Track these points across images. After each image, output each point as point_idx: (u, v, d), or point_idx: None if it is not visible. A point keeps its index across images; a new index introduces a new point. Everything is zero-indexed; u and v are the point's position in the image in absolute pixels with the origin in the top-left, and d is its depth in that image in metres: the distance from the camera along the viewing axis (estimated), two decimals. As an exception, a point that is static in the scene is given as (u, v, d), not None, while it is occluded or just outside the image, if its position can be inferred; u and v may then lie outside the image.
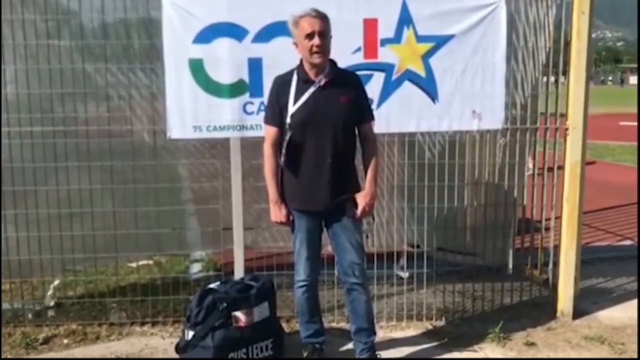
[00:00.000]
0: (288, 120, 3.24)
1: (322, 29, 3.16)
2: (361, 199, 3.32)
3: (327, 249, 3.52)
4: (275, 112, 3.32)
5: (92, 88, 4.06)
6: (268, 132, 3.36)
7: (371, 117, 3.43)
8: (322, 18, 3.19)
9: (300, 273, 3.44)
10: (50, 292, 4.35)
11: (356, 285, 3.41)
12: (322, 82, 3.24)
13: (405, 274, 4.43)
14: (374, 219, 3.51)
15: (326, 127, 3.23)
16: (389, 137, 4.13)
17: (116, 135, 4.04)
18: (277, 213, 3.35)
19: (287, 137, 3.24)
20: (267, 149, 3.34)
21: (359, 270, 3.40)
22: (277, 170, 3.34)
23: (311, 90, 3.24)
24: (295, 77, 3.28)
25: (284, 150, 3.26)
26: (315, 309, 3.58)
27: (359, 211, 3.32)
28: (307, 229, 3.36)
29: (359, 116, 3.34)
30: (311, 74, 3.25)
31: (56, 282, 4.36)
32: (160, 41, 3.85)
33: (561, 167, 4.19)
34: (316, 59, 3.18)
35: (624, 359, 3.70)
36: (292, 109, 3.24)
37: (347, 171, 3.33)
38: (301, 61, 3.28)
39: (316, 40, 3.14)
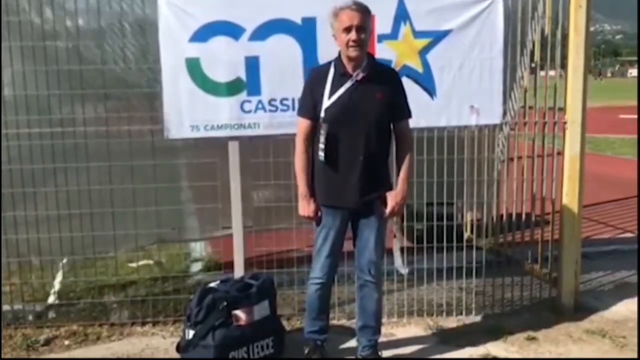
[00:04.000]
0: (322, 114, 3.19)
1: (360, 23, 3.10)
2: (392, 198, 3.28)
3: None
4: (308, 105, 3.27)
5: (90, 89, 4.05)
6: (300, 125, 3.30)
7: (408, 115, 3.36)
8: (363, 11, 3.13)
9: (317, 270, 3.41)
10: (56, 286, 4.35)
11: (370, 282, 3.40)
12: (359, 77, 3.19)
13: (405, 270, 4.43)
14: (402, 219, 3.47)
15: (360, 123, 3.18)
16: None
17: (114, 136, 4.03)
18: (305, 207, 3.30)
19: (324, 132, 3.17)
20: (299, 143, 3.29)
21: (375, 268, 3.37)
22: (308, 164, 3.29)
23: (347, 84, 3.19)
24: (332, 70, 3.23)
25: (322, 146, 3.19)
26: (325, 307, 3.55)
27: (387, 210, 3.28)
28: (334, 225, 3.31)
29: (394, 113, 3.29)
30: (349, 67, 3.20)
31: (58, 279, 4.36)
32: (156, 41, 3.85)
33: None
34: (352, 53, 3.13)
35: (624, 359, 3.68)
36: (327, 102, 3.19)
37: (380, 169, 3.29)
38: (339, 54, 3.23)
39: (353, 35, 3.09)
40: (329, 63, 3.28)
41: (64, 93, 3.98)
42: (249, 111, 3.88)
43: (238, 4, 3.82)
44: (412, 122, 3.92)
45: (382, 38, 3.87)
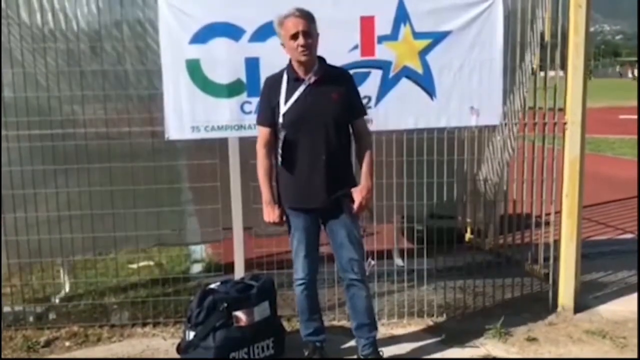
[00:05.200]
0: (280, 119, 3.25)
1: (305, 29, 3.16)
2: (357, 193, 3.32)
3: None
4: (267, 113, 3.33)
5: (90, 90, 4.05)
6: (261, 133, 3.37)
7: (364, 112, 3.43)
8: (306, 17, 3.19)
9: (299, 271, 3.45)
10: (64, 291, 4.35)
11: (355, 281, 3.42)
12: (312, 80, 3.24)
13: (400, 263, 4.40)
14: (372, 214, 3.50)
15: (318, 124, 3.24)
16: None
17: (114, 138, 4.04)
18: (270, 213, 3.36)
19: (282, 137, 3.24)
20: (260, 150, 3.35)
21: (358, 266, 3.40)
22: (271, 170, 3.35)
23: (301, 88, 3.24)
24: (285, 77, 3.29)
25: (279, 150, 3.26)
26: (315, 307, 3.58)
27: (355, 206, 3.31)
28: (304, 227, 3.36)
29: (350, 112, 3.34)
30: (300, 72, 3.25)
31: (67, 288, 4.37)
32: (156, 42, 3.85)
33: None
34: (302, 57, 3.18)
35: (624, 359, 3.69)
36: (283, 108, 3.25)
37: (343, 167, 3.34)
38: (290, 60, 3.29)
39: (300, 40, 3.15)
40: (282, 71, 3.33)
41: (64, 95, 3.98)
42: (249, 112, 3.88)
43: (238, 5, 3.82)
44: (412, 122, 3.97)
45: (382, 39, 3.87)
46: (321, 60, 3.31)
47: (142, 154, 4.08)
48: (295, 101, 3.24)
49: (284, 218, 3.38)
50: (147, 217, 4.09)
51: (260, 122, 3.39)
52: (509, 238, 4.86)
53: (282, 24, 3.21)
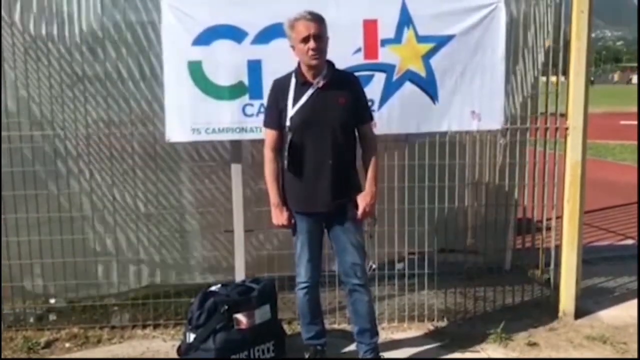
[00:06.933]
0: (287, 122, 3.24)
1: (317, 32, 3.16)
2: (361, 200, 3.33)
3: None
4: (274, 115, 3.33)
5: (91, 92, 4.05)
6: (268, 136, 3.37)
7: (370, 118, 3.44)
8: (318, 20, 3.18)
9: (302, 275, 3.44)
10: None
11: (358, 286, 3.42)
12: (321, 84, 3.24)
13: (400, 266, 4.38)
14: (375, 219, 3.50)
15: (325, 128, 3.24)
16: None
17: (116, 139, 4.04)
18: (278, 216, 3.36)
19: (289, 140, 3.23)
20: (267, 153, 3.35)
21: (361, 271, 3.40)
22: (278, 173, 3.35)
23: (309, 92, 3.24)
24: (293, 80, 3.29)
25: (285, 153, 3.25)
26: (317, 310, 3.58)
27: (359, 212, 3.32)
28: (309, 230, 3.36)
29: (357, 117, 3.34)
30: (309, 76, 3.25)
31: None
32: (159, 44, 3.86)
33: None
34: (313, 61, 3.18)
35: (625, 359, 3.69)
36: (291, 111, 3.24)
37: (348, 172, 3.33)
38: (299, 64, 3.29)
39: (312, 44, 3.14)
40: (290, 73, 3.33)
41: (66, 96, 3.98)
42: (251, 115, 3.88)
43: (241, 7, 3.82)
44: (414, 126, 3.97)
45: (385, 42, 3.86)
46: (330, 64, 3.30)
47: (143, 155, 4.08)
48: (303, 105, 3.24)
49: (292, 221, 3.37)
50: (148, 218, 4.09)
51: (268, 124, 3.38)
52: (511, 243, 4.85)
53: (293, 27, 3.20)
